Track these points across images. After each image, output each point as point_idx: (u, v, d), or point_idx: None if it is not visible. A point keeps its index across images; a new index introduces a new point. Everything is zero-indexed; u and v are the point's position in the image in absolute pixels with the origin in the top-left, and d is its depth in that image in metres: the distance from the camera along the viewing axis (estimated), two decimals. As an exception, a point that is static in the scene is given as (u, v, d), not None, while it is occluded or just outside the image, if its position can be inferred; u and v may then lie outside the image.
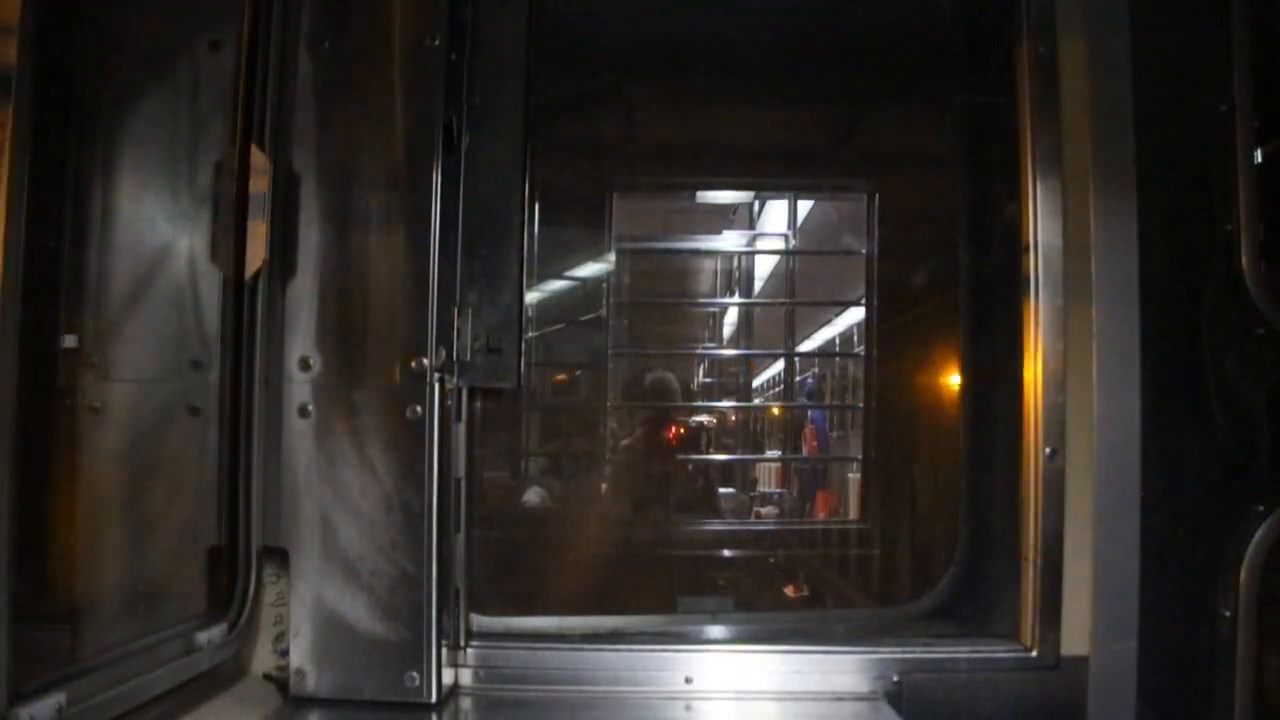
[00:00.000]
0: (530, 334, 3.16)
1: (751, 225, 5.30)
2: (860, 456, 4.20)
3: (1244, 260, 1.99)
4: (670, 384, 4.33)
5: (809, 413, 5.80)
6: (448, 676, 1.93)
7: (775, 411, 6.22)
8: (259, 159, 1.87)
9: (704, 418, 4.95)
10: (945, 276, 2.62)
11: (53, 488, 1.49)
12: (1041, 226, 2.05)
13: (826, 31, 2.86)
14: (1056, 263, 2.03)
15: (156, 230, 1.76)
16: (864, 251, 3.68)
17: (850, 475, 4.87)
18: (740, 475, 5.62)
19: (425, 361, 1.86)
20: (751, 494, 5.70)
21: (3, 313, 1.20)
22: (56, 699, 1.30)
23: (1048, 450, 2.01)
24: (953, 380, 2.48)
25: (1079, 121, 2.05)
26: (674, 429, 4.47)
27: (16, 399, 1.23)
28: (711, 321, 5.90)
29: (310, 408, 1.88)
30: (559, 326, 3.77)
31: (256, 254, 1.86)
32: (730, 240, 5.21)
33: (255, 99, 1.88)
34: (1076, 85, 2.05)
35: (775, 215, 5.13)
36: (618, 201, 3.65)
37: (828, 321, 5.87)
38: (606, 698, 2.00)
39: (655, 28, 2.89)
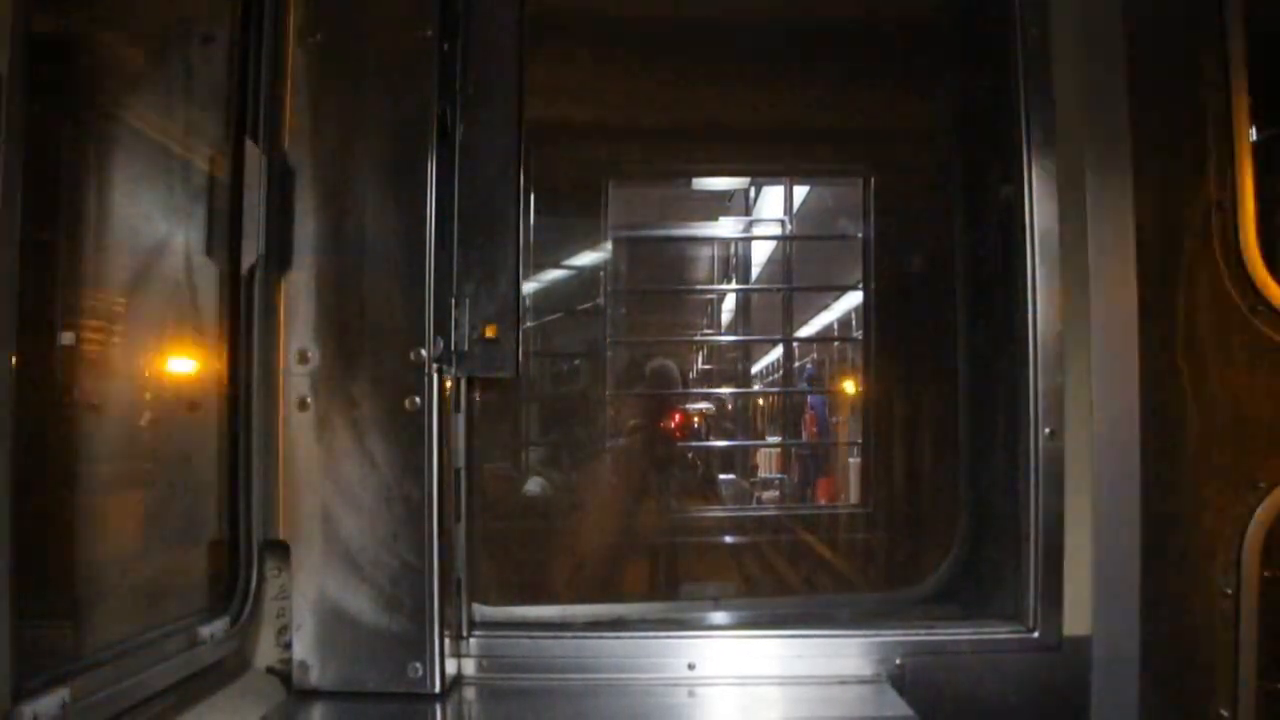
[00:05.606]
0: (528, 323, 3.15)
1: (748, 212, 5.29)
2: (860, 441, 4.20)
3: (1241, 237, 1.99)
4: (671, 372, 4.33)
5: (808, 398, 5.79)
6: (451, 666, 1.94)
7: (775, 397, 6.22)
8: (253, 152, 1.86)
9: (704, 405, 4.95)
10: (942, 259, 2.61)
11: (51, 485, 1.48)
12: (1037, 207, 2.05)
13: (822, 12, 2.85)
14: (1053, 243, 2.03)
15: (153, 226, 1.75)
16: (860, 235, 3.67)
17: (851, 460, 4.87)
18: (741, 461, 5.62)
19: (423, 352, 1.86)
20: (752, 480, 5.70)
21: (-2, 310, 1.20)
22: (61, 695, 1.30)
23: (1047, 431, 2.01)
24: (950, 363, 2.47)
25: (1073, 101, 2.05)
26: (674, 417, 4.46)
27: (15, 396, 1.22)
28: (710, 308, 5.89)
29: (309, 400, 1.88)
30: (557, 315, 3.76)
31: (252, 248, 1.86)
32: (727, 227, 5.20)
33: (248, 92, 1.87)
34: (1070, 64, 2.05)
35: (771, 201, 5.12)
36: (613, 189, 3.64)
37: (825, 307, 5.85)
38: (610, 685, 2.00)
39: (647, 5, 2.88)
